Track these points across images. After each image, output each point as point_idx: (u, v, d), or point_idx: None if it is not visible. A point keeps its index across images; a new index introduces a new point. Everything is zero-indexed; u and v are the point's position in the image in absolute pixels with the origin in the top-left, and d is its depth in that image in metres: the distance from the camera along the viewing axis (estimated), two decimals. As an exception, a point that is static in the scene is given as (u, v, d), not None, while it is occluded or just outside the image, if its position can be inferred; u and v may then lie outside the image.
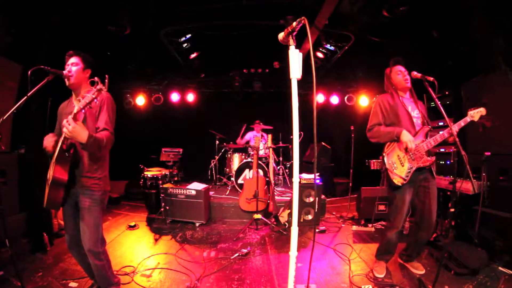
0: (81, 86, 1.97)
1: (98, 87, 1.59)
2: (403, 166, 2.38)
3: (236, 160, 5.44)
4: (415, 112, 2.46)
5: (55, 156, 1.78)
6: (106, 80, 1.68)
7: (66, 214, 1.99)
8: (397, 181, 2.39)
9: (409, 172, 2.34)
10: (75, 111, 1.61)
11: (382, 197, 3.84)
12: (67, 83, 1.92)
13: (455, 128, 2.24)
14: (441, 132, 2.30)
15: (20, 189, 2.87)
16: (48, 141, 1.87)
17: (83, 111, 1.63)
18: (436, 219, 2.51)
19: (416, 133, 2.38)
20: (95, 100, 1.60)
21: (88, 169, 1.90)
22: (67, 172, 1.78)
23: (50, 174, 1.81)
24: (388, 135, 2.41)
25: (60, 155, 1.76)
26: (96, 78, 1.67)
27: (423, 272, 2.53)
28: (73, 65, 1.91)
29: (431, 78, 2.18)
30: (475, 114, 2.32)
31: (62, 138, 1.76)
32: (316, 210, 3.88)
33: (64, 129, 1.62)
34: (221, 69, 6.27)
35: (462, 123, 2.31)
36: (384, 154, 2.47)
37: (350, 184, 4.62)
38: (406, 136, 2.31)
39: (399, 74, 2.45)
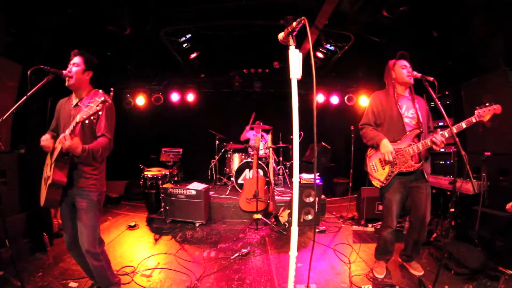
0: (81, 87, 1.97)
1: (102, 98, 1.57)
2: (384, 169, 2.36)
3: (236, 160, 5.43)
4: (410, 112, 2.37)
5: (54, 157, 1.79)
6: (112, 93, 1.68)
7: (63, 215, 2.00)
8: (376, 183, 2.39)
9: (390, 176, 2.32)
10: (77, 119, 1.60)
11: (382, 197, 3.84)
12: (66, 83, 1.92)
13: (453, 130, 2.09)
14: (435, 134, 2.17)
15: (20, 189, 2.88)
16: (48, 141, 1.87)
17: (86, 121, 1.61)
18: (434, 219, 2.50)
19: (404, 136, 2.31)
20: (99, 113, 1.59)
21: (85, 170, 1.91)
22: (66, 175, 1.82)
23: (48, 173, 1.82)
24: (371, 141, 2.40)
25: (60, 158, 1.78)
26: (100, 91, 1.68)
27: (421, 273, 2.51)
28: (74, 66, 1.91)
29: (431, 78, 2.14)
30: (486, 112, 2.10)
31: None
32: (316, 210, 3.88)
33: (60, 142, 1.66)
34: (221, 69, 6.26)
35: (464, 124, 2.13)
36: (366, 156, 2.47)
37: (350, 184, 4.61)
38: (384, 147, 2.27)
39: (404, 69, 2.36)
